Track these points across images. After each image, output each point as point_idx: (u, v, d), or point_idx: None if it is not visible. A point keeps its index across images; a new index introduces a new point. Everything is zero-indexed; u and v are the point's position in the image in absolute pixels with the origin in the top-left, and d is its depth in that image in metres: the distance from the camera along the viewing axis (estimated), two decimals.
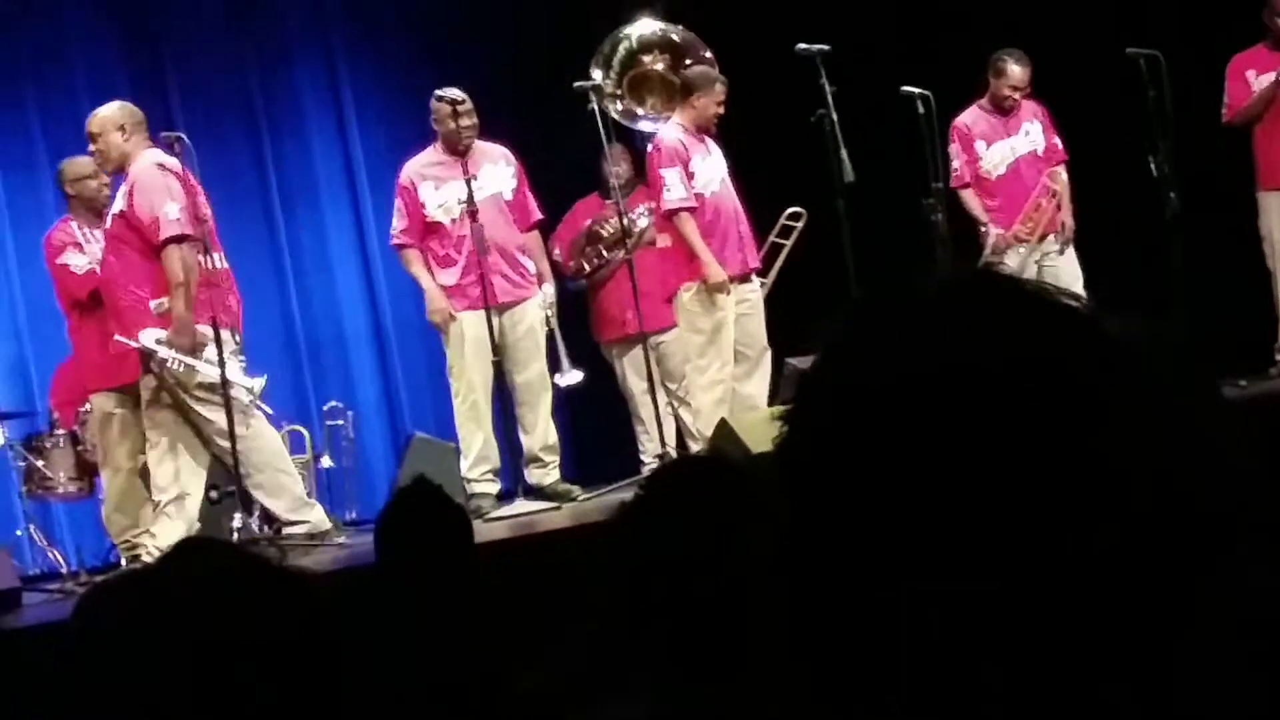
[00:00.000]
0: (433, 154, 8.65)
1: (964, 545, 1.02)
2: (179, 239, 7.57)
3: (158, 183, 7.65)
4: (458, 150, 8.49)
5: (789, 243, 9.53)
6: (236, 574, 2.67)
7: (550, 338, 8.66)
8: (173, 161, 7.77)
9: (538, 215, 8.79)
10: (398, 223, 8.70)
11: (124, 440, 8.03)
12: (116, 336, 7.58)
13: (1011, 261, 9.17)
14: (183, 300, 7.51)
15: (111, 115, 7.94)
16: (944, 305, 1.10)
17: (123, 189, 7.75)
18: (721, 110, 8.78)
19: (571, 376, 8.74)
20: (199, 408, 7.64)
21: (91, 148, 7.91)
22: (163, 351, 7.47)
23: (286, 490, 7.89)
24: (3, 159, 10.37)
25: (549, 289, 8.70)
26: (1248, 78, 9.26)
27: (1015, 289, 1.10)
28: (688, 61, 9.12)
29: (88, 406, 9.12)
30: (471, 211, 8.29)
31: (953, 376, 1.04)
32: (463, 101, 8.50)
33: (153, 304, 7.60)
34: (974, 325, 1.06)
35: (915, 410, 1.04)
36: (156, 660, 2.54)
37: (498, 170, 8.60)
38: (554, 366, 8.69)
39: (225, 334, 7.56)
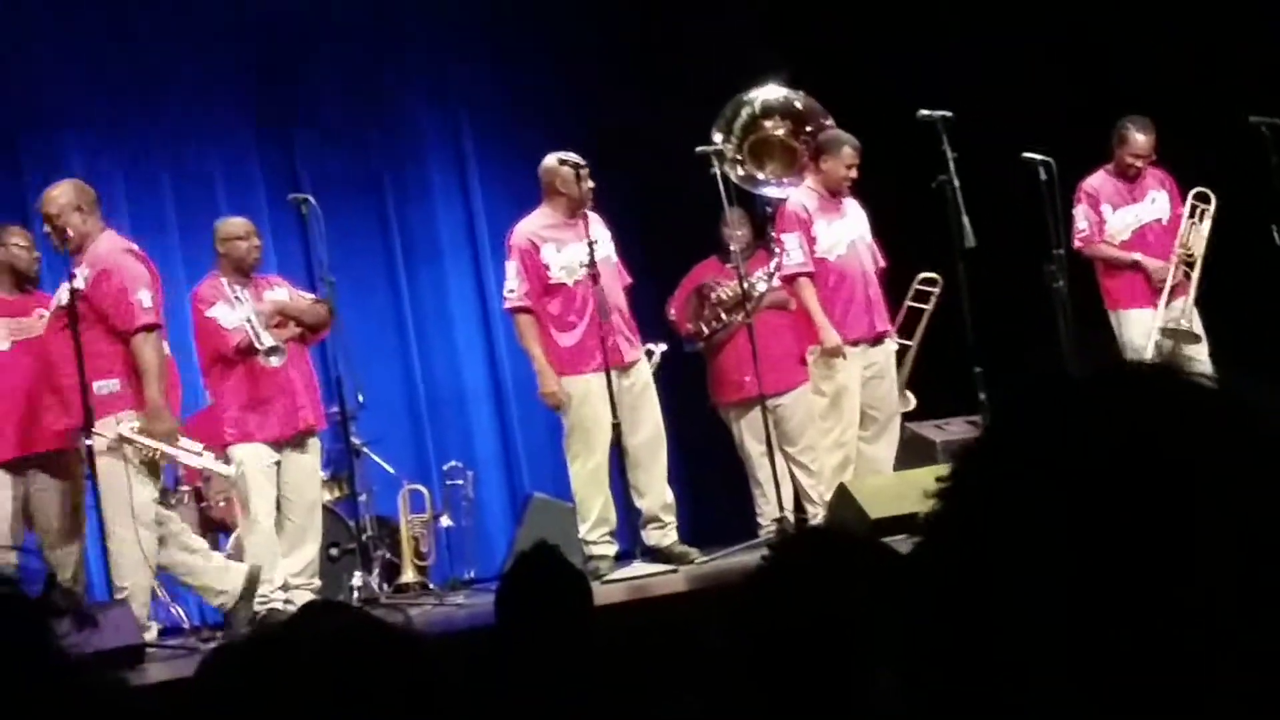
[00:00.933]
0: (549, 216, 8.69)
1: (1122, 625, 1.04)
2: (151, 327, 7.57)
3: (129, 268, 7.61)
4: (578, 213, 8.54)
5: (929, 307, 9.52)
6: (360, 637, 2.70)
7: None
8: (136, 247, 7.78)
9: (629, 279, 8.84)
10: (517, 285, 8.69)
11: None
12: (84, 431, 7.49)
13: (1141, 326, 9.16)
14: (156, 387, 7.47)
15: (69, 196, 7.82)
16: (1105, 390, 1.13)
17: (82, 270, 7.63)
18: (853, 174, 8.83)
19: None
20: (136, 479, 7.55)
21: (46, 228, 7.77)
22: (142, 440, 7.42)
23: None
24: (140, 221, 10.56)
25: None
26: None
27: (1172, 376, 1.13)
28: (808, 128, 9.14)
29: None
30: (593, 274, 8.34)
31: (1116, 462, 1.06)
32: (585, 165, 8.56)
33: (97, 385, 7.49)
34: (1134, 412, 1.09)
35: (1079, 493, 1.06)
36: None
37: (605, 233, 8.66)
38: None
39: None
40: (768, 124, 9.19)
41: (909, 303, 9.55)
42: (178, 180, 10.71)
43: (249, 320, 8.06)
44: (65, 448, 7.81)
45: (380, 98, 11.33)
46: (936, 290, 9.57)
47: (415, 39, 11.43)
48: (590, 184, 8.57)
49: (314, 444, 8.27)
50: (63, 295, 7.62)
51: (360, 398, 8.70)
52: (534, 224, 8.71)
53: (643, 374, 8.59)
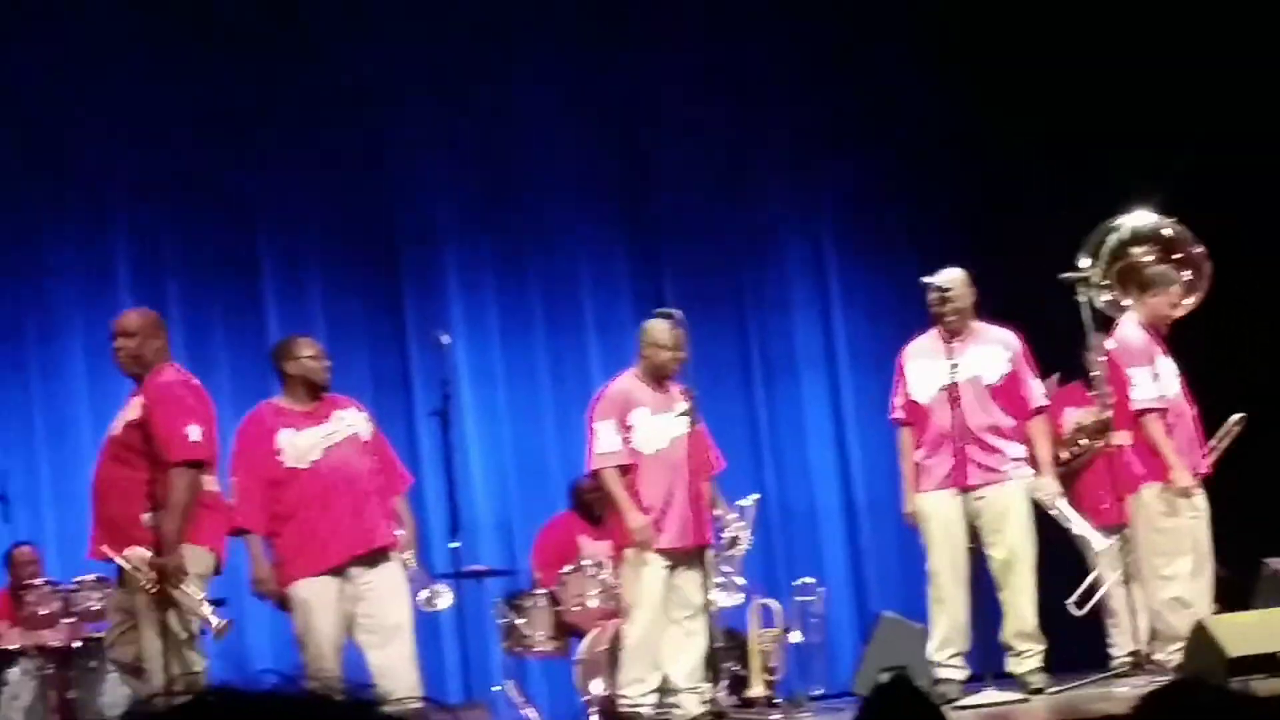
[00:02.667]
0: (928, 338, 8.71)
1: None
2: (195, 463, 7.45)
3: (184, 400, 7.54)
4: (944, 333, 8.55)
5: (1223, 446, 9.19)
6: None
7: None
8: (195, 381, 7.73)
9: (1035, 403, 8.69)
10: (895, 399, 8.79)
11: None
12: (102, 547, 7.41)
13: None
14: (177, 523, 7.31)
15: (153, 322, 7.83)
16: None
17: (138, 399, 7.57)
18: (1176, 313, 8.65)
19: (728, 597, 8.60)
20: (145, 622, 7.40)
21: (120, 342, 7.66)
22: (143, 574, 7.29)
23: None
24: (509, 325, 10.90)
25: (1040, 481, 8.56)
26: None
27: None
28: (1178, 255, 8.97)
29: (567, 568, 9.42)
30: (954, 397, 8.29)
31: None
32: (945, 288, 8.55)
33: (145, 517, 7.37)
34: None
35: None
36: None
37: (985, 353, 8.58)
38: None
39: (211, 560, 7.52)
40: (1135, 250, 9.05)
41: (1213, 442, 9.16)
42: (546, 287, 11.03)
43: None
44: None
45: (741, 208, 11.50)
46: (1238, 429, 9.21)
47: (777, 150, 11.58)
48: (945, 305, 8.53)
49: (708, 556, 8.36)
50: (116, 426, 7.61)
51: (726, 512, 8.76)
52: (916, 342, 8.73)
53: (1004, 496, 8.46)
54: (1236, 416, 9.19)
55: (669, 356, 8.45)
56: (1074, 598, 8.71)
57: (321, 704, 1.23)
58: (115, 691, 7.71)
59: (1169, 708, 2.37)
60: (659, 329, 8.54)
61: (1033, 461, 8.58)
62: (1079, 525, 8.54)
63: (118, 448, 7.54)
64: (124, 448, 7.52)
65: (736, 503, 8.72)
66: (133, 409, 7.55)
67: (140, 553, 7.30)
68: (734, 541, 8.69)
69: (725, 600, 8.46)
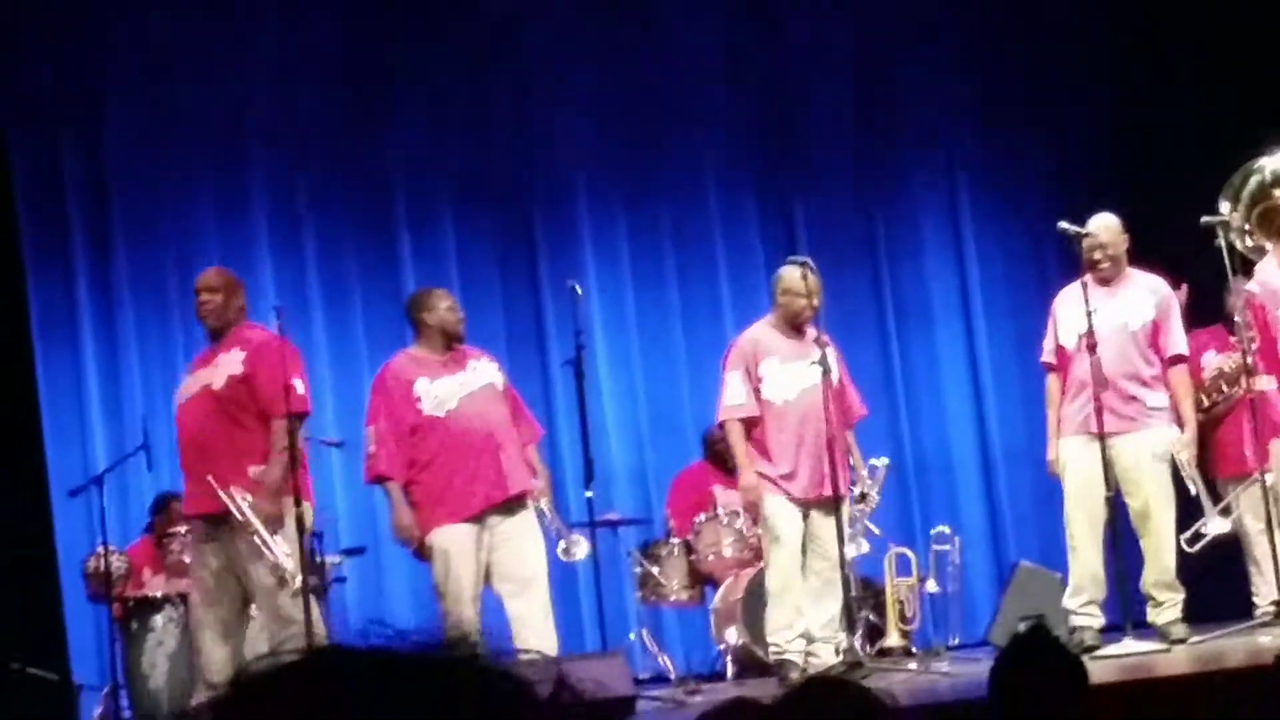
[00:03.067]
0: (1081, 282, 8.61)
1: None
2: (300, 415, 7.65)
3: (287, 357, 7.66)
4: (1096, 280, 8.45)
5: None
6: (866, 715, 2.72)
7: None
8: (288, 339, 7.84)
9: (1173, 350, 8.53)
10: (1046, 344, 8.70)
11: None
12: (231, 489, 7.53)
13: None
14: (282, 473, 7.49)
15: (234, 280, 8.03)
16: None
17: (238, 354, 7.75)
18: None
19: (1216, 525, 8.43)
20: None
21: (205, 297, 7.87)
22: (250, 515, 7.46)
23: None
24: (641, 274, 10.92)
25: (1183, 439, 8.43)
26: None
27: None
28: None
29: (702, 517, 9.44)
30: (1090, 344, 8.20)
31: None
32: (1089, 234, 8.45)
33: (252, 470, 7.58)
34: None
35: None
36: None
37: (1132, 300, 8.47)
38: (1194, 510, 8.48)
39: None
40: (1278, 193, 8.86)
41: None
42: (678, 237, 11.03)
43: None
44: None
45: (875, 156, 11.42)
46: None
47: (911, 97, 11.48)
48: (1098, 254, 8.43)
49: (844, 506, 8.34)
50: (217, 380, 7.74)
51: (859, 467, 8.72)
52: (1067, 289, 8.64)
53: (1142, 444, 8.33)
54: None
55: (804, 304, 8.41)
56: (1188, 534, 8.57)
57: (432, 663, 1.21)
58: (256, 640, 7.83)
59: None
60: (792, 276, 8.50)
61: (1174, 414, 8.46)
62: (1201, 492, 8.39)
63: (222, 402, 7.71)
64: (229, 402, 7.70)
65: (870, 461, 8.67)
66: (233, 364, 7.74)
67: (245, 496, 7.51)
68: (863, 497, 8.65)
69: (851, 551, 8.43)
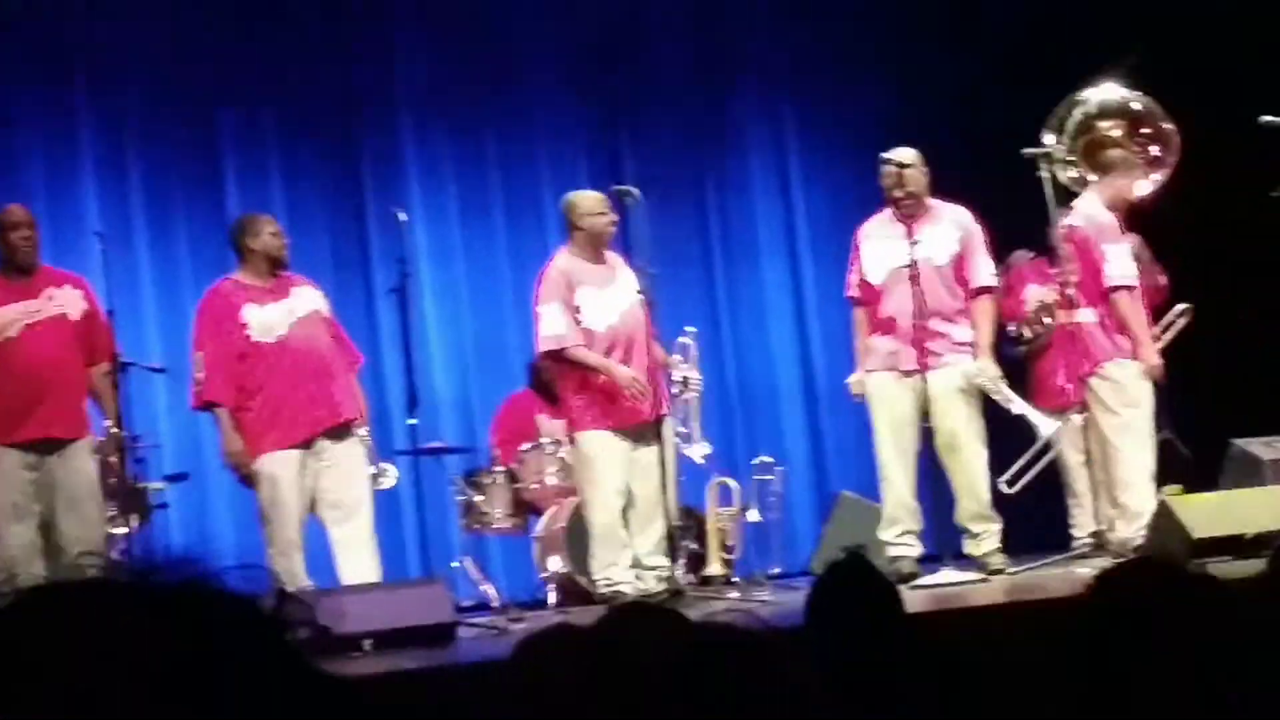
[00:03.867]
0: (884, 215, 8.63)
1: None
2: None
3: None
4: (899, 214, 8.47)
5: (1168, 337, 9.15)
6: (681, 639, 2.69)
7: None
8: None
9: (979, 283, 8.60)
10: (850, 278, 8.74)
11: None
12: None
13: None
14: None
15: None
16: None
17: (73, 291, 7.97)
18: (1133, 199, 8.62)
19: (1046, 427, 8.50)
20: None
21: (28, 234, 7.93)
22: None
23: None
24: (467, 200, 10.83)
25: (980, 364, 8.49)
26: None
27: None
28: (1146, 130, 8.91)
29: (526, 446, 9.41)
30: (902, 279, 8.25)
31: None
32: (909, 165, 8.45)
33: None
34: None
35: None
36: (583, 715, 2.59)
37: (938, 234, 8.49)
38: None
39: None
40: (1102, 125, 8.97)
41: (1157, 330, 9.10)
42: (504, 167, 10.94)
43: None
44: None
45: (704, 91, 11.39)
46: (1183, 322, 9.19)
47: (740, 33, 11.47)
48: (896, 186, 8.46)
49: (667, 426, 8.39)
50: (68, 310, 7.92)
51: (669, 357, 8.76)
52: (870, 222, 8.66)
53: (946, 379, 8.40)
54: (1181, 307, 9.17)
55: (605, 221, 8.41)
56: (1006, 476, 8.69)
57: (140, 590, 1.18)
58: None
59: (1122, 587, 2.32)
60: (586, 197, 8.54)
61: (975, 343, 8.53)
62: (1019, 406, 8.48)
63: (78, 335, 7.92)
64: (84, 335, 7.93)
65: (677, 340, 8.69)
66: (75, 301, 7.92)
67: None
68: (685, 383, 8.67)
69: (695, 453, 8.44)
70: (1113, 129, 8.97)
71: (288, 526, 7.75)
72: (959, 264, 8.51)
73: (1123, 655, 2.13)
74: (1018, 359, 9.34)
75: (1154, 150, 8.88)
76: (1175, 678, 2.10)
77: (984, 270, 8.55)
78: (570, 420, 8.51)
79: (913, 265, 8.24)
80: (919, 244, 8.32)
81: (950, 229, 8.52)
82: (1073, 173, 8.88)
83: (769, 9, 11.49)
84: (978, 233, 8.56)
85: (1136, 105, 9.00)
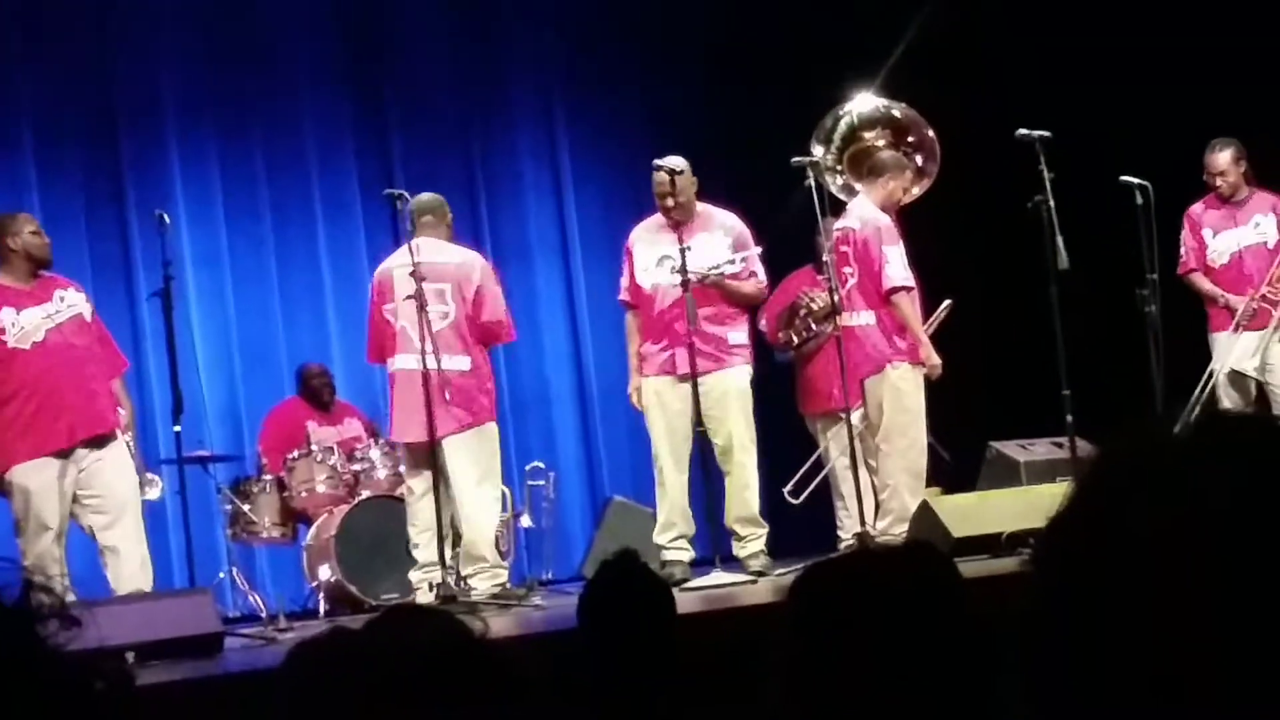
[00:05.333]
0: (655, 220, 8.71)
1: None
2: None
3: None
4: (672, 220, 8.54)
5: (930, 331, 9.39)
6: (445, 644, 2.67)
7: None
8: None
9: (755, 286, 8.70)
10: (622, 282, 8.79)
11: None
12: None
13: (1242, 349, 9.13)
14: None
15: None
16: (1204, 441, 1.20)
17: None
18: (908, 198, 8.81)
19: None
20: None
21: (46, 239, 7.93)
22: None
23: None
24: (234, 205, 10.66)
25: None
26: (1203, 236, 9.42)
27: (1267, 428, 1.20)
28: (910, 139, 9.08)
29: (295, 453, 9.31)
30: (684, 282, 8.30)
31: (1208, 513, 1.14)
32: (680, 172, 8.52)
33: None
34: (1228, 465, 1.16)
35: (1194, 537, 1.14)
36: None
37: (707, 241, 8.58)
38: None
39: None
40: (868, 135, 9.13)
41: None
42: (273, 170, 10.79)
43: None
44: None
45: (474, 95, 11.36)
46: (943, 316, 9.42)
47: (511, 36, 11.47)
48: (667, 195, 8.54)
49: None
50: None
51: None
52: (641, 226, 8.73)
53: (722, 383, 8.50)
54: (946, 303, 9.38)
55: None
56: (790, 486, 8.81)
57: None
58: None
59: (821, 580, 2.33)
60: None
61: (752, 351, 8.67)
62: None
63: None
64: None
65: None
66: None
67: None
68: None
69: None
70: (877, 139, 9.13)
71: (42, 538, 7.57)
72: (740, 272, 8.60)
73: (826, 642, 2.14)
74: (788, 364, 9.48)
75: (918, 159, 9.06)
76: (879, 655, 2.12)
77: (761, 274, 8.64)
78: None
79: (683, 271, 8.31)
80: (690, 250, 8.38)
81: (720, 235, 8.61)
82: (840, 180, 9.03)
83: (533, 6, 11.49)
84: (747, 234, 8.66)
85: (898, 114, 9.17)
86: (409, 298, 8.08)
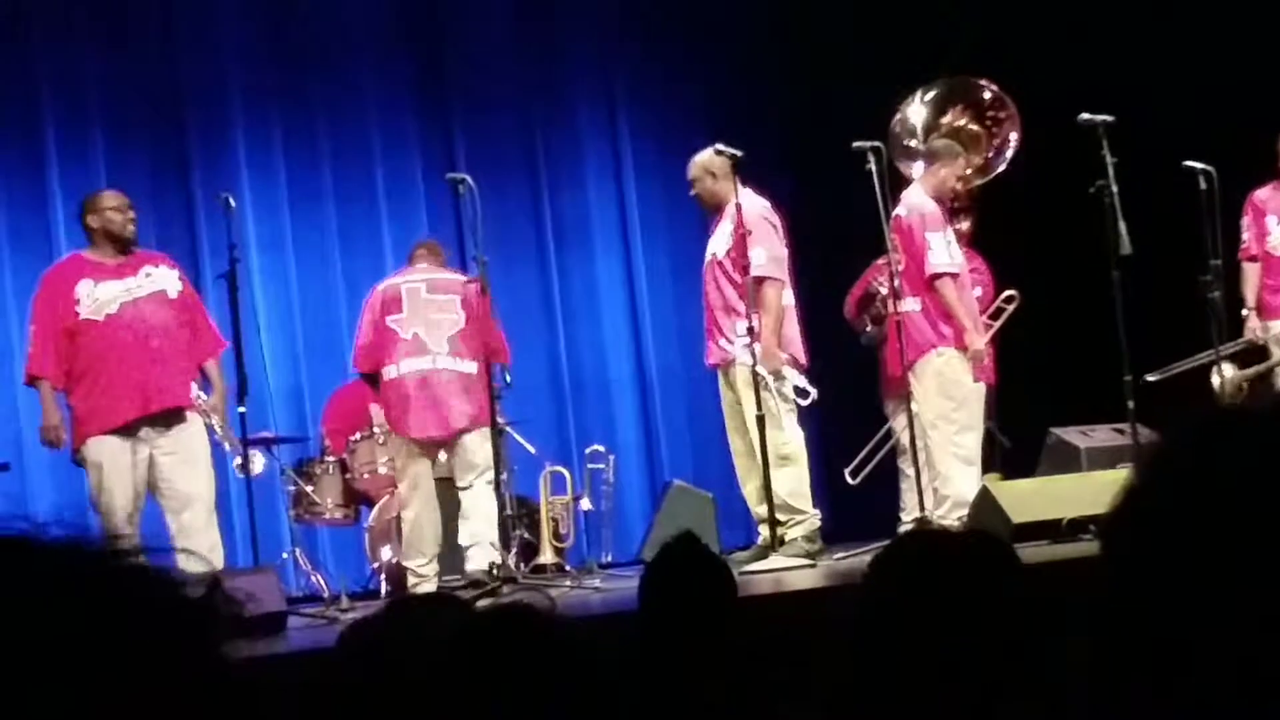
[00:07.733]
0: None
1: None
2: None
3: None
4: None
5: (998, 324, 9.38)
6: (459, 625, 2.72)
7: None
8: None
9: (750, 273, 8.46)
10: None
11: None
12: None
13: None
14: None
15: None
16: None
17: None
18: (961, 185, 8.80)
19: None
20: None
21: (132, 215, 8.05)
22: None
23: None
24: (296, 190, 10.74)
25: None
26: (1266, 223, 9.35)
27: None
28: (992, 113, 9.20)
29: (357, 435, 9.36)
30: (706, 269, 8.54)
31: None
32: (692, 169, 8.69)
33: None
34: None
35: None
36: (423, 703, 2.61)
37: (721, 230, 8.63)
38: None
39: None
40: (944, 120, 9.19)
41: (985, 319, 9.30)
42: (336, 154, 10.86)
43: None
44: None
45: (536, 79, 11.39)
46: (1010, 308, 9.42)
47: (573, 19, 11.49)
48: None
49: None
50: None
51: (507, 378, 8.75)
52: None
53: (736, 375, 8.52)
54: (1008, 293, 9.36)
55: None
56: (850, 467, 8.81)
57: (75, 553, 1.12)
58: None
59: (896, 561, 2.36)
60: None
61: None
62: (778, 399, 8.51)
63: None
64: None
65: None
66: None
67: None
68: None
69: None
70: (956, 119, 9.18)
71: (115, 515, 7.64)
72: (735, 255, 8.53)
73: (900, 625, 2.17)
74: (872, 348, 9.49)
75: (1006, 130, 9.17)
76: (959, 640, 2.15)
77: (755, 260, 8.45)
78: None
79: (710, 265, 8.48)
80: (712, 240, 8.53)
81: (728, 223, 8.59)
82: (903, 165, 9.07)
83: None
84: (753, 220, 8.54)
85: (985, 94, 9.26)
86: (428, 297, 8.39)
